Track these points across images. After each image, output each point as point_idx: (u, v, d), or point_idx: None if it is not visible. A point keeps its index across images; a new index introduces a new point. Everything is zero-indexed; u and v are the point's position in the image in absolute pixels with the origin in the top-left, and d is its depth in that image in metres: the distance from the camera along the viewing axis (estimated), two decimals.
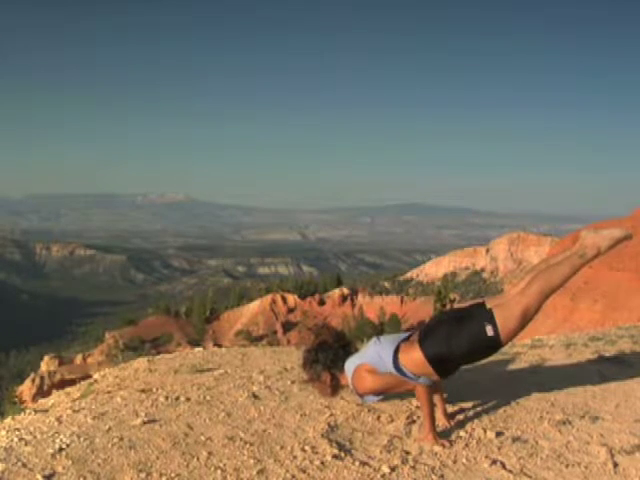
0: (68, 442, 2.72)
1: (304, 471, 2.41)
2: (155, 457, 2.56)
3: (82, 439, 2.76)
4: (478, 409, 3.12)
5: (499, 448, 2.63)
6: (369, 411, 3.11)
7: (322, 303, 68.70)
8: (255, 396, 3.44)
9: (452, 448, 2.64)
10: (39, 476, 2.35)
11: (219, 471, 2.42)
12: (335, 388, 3.09)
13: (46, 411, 3.58)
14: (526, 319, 2.73)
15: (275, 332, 61.01)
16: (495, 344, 2.75)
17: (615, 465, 2.44)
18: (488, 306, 2.78)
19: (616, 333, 5.56)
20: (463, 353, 2.76)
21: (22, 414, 3.58)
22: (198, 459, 2.53)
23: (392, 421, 2.98)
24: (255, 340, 53.21)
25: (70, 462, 2.49)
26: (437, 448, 2.63)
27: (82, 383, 4.61)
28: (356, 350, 3.05)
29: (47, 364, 48.18)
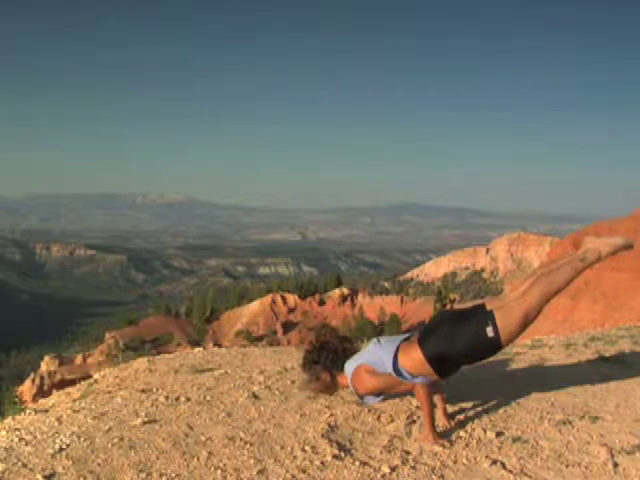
0: (68, 442, 2.72)
1: (304, 471, 2.41)
2: (155, 457, 2.56)
3: (82, 439, 2.76)
4: (478, 409, 3.12)
5: (499, 448, 2.63)
6: (369, 411, 3.11)
7: (322, 303, 68.73)
8: (255, 396, 3.44)
9: (452, 448, 2.64)
10: (39, 476, 2.35)
11: (219, 471, 2.42)
12: (333, 388, 3.11)
13: (46, 411, 3.58)
14: (527, 322, 2.74)
15: (275, 332, 61.03)
16: (495, 346, 2.76)
17: (615, 465, 2.44)
18: (489, 307, 2.79)
19: (616, 333, 5.55)
20: (463, 353, 2.76)
21: (22, 414, 3.58)
22: (198, 459, 2.53)
23: (392, 421, 2.98)
24: (255, 340, 53.26)
25: (70, 462, 2.49)
26: (437, 448, 2.63)
27: (82, 383, 4.61)
28: (356, 351, 3.06)
29: (47, 364, 48.24)
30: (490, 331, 2.71)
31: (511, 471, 2.40)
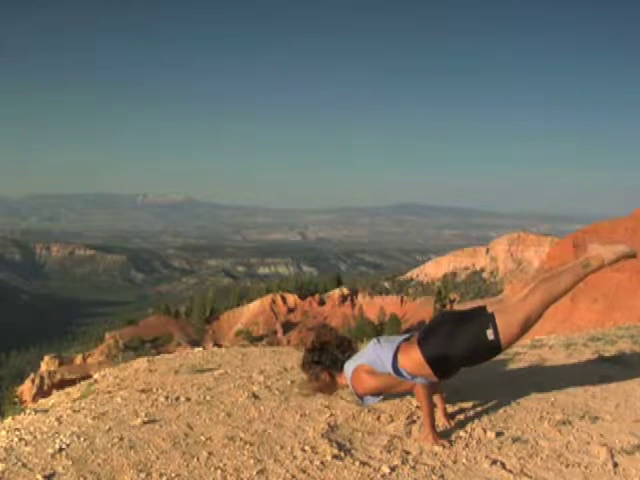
0: (68, 442, 2.72)
1: (304, 471, 2.41)
2: (155, 457, 2.56)
3: (82, 439, 2.76)
4: (478, 409, 3.12)
5: (499, 448, 2.63)
6: (369, 411, 3.11)
7: (322, 303, 68.73)
8: (255, 396, 3.44)
9: (452, 448, 2.64)
10: (39, 476, 2.35)
11: (219, 471, 2.42)
12: (333, 388, 3.11)
13: (46, 411, 3.58)
14: (527, 325, 2.74)
15: (275, 332, 61.02)
16: (495, 348, 2.76)
17: (615, 465, 2.44)
18: (490, 310, 2.78)
19: (616, 333, 5.54)
20: (462, 355, 2.76)
21: (22, 414, 3.58)
22: (198, 459, 2.53)
23: (392, 421, 2.98)
24: (255, 340, 53.27)
25: (70, 462, 2.49)
26: (437, 448, 2.63)
27: (82, 383, 4.61)
28: (356, 351, 3.06)
29: (47, 364, 48.22)
30: (490, 334, 2.70)
31: (511, 471, 2.40)
